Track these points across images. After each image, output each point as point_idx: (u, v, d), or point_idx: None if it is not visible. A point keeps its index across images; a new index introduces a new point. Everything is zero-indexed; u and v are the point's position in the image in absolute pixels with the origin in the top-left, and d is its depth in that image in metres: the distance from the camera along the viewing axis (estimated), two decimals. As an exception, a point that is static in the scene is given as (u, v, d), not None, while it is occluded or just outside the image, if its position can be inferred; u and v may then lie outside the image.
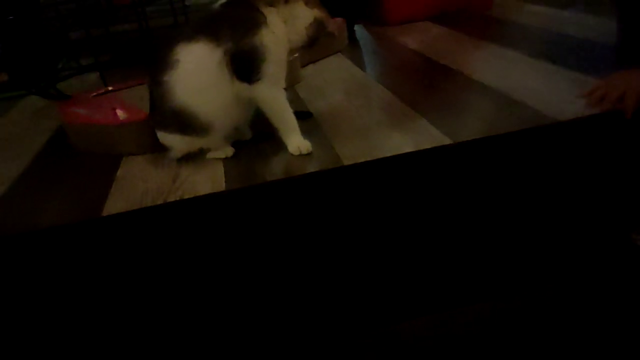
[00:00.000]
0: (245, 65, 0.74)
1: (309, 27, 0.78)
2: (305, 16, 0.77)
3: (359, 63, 1.23)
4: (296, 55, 1.06)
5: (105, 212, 0.69)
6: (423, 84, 1.04)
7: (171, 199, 0.70)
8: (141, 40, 1.45)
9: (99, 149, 0.89)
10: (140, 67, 1.30)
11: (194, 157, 0.81)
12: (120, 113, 0.90)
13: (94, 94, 1.04)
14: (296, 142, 0.79)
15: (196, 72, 0.74)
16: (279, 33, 0.76)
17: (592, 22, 1.29)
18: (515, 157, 0.78)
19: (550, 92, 0.88)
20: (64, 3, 1.45)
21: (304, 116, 0.92)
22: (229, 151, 0.82)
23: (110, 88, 1.07)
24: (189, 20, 1.53)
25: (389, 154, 0.74)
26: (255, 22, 0.74)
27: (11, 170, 0.88)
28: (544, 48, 1.14)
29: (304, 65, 1.20)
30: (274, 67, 0.75)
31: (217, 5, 0.78)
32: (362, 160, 0.73)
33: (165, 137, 0.80)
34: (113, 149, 0.88)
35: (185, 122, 0.76)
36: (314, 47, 0.82)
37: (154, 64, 0.78)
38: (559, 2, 1.55)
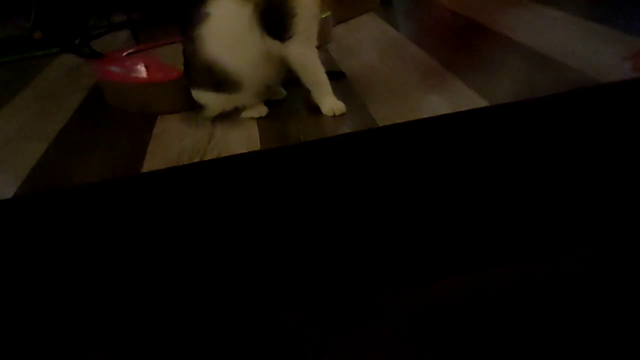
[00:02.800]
0: (276, 21, 0.73)
1: None
2: None
3: (392, 22, 1.20)
4: (328, 13, 1.04)
5: (144, 170, 0.71)
6: (460, 45, 1.01)
7: (208, 157, 0.72)
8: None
9: (134, 107, 0.90)
10: (170, 25, 1.30)
11: (228, 117, 0.82)
12: (153, 72, 0.91)
13: (128, 52, 1.04)
14: (329, 103, 0.78)
15: (226, 27, 0.74)
16: None
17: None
18: (555, 121, 0.76)
19: (593, 53, 0.85)
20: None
21: (336, 76, 0.91)
22: (263, 110, 0.82)
23: (143, 46, 1.07)
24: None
25: (424, 116, 0.73)
26: None
27: (50, 127, 0.91)
28: (588, 6, 1.08)
29: (335, 24, 1.17)
30: (306, 22, 0.74)
31: None
32: (397, 121, 0.72)
33: (199, 95, 0.80)
34: (148, 107, 0.89)
35: (216, 79, 0.76)
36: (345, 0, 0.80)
37: (186, 19, 0.78)
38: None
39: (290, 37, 0.74)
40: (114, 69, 0.96)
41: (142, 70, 0.92)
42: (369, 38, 1.12)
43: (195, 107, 0.82)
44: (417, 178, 0.77)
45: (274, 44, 0.74)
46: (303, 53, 0.76)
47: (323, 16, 0.86)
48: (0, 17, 1.46)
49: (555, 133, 0.77)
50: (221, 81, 0.76)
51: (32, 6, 1.38)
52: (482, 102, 0.74)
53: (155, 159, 0.74)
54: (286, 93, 0.87)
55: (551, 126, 0.77)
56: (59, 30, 1.37)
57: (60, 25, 1.39)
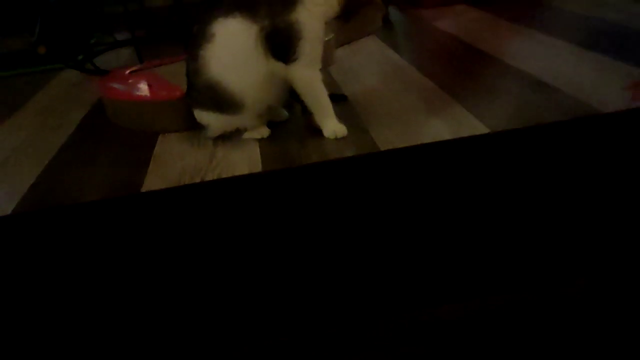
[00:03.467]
0: (281, 43, 0.74)
1: None
2: None
3: (394, 46, 1.21)
4: (332, 36, 1.05)
5: (144, 189, 0.71)
6: (460, 70, 1.02)
7: (208, 177, 0.71)
8: (176, 16, 1.45)
9: (136, 125, 0.91)
10: (174, 43, 1.31)
11: (230, 137, 0.82)
12: (156, 90, 0.91)
13: (131, 69, 1.05)
14: (331, 125, 0.79)
15: (231, 47, 0.74)
16: (316, 8, 0.74)
17: (637, 10, 1.24)
18: (555, 149, 0.77)
19: (593, 82, 0.86)
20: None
21: (338, 99, 0.92)
22: (265, 132, 0.82)
23: (146, 64, 1.08)
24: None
25: (426, 141, 0.73)
26: None
27: (51, 144, 0.91)
28: (586, 35, 1.10)
29: (337, 47, 1.19)
30: (311, 45, 0.75)
31: None
32: (399, 146, 0.73)
33: (202, 115, 0.81)
34: (150, 125, 0.89)
35: (219, 99, 0.76)
36: (351, 21, 0.81)
37: (191, 39, 0.78)
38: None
39: (295, 60, 0.74)
40: (117, 86, 0.96)
41: (145, 89, 0.92)
42: (370, 61, 1.13)
43: (197, 127, 0.83)
44: (417, 202, 0.77)
45: (278, 66, 0.75)
46: (307, 76, 0.76)
47: (326, 39, 0.87)
48: (5, 31, 1.47)
49: (554, 161, 0.78)
50: (224, 101, 0.77)
51: (37, 21, 1.39)
52: (483, 129, 0.75)
53: (156, 178, 0.74)
54: (288, 114, 0.88)
55: (551, 154, 0.77)
56: (63, 46, 1.38)
57: (65, 41, 1.40)
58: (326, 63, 1.08)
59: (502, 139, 0.74)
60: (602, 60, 0.95)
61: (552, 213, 0.81)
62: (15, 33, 1.44)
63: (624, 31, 1.09)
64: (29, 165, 0.83)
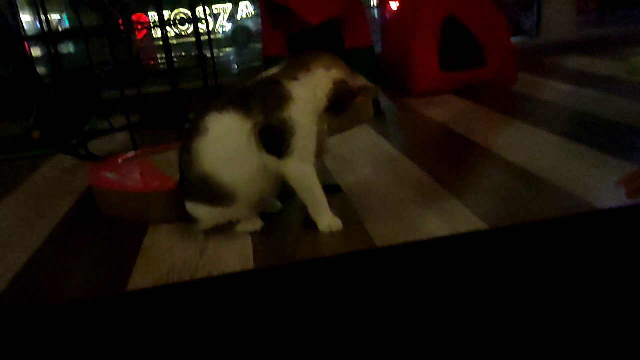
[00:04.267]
0: (274, 139, 0.74)
1: (329, 92, 0.77)
2: (324, 82, 0.77)
3: (386, 135, 1.24)
4: (325, 125, 1.07)
5: (130, 287, 0.68)
6: (452, 160, 1.04)
7: (198, 275, 0.69)
8: (171, 102, 1.49)
9: (126, 215, 0.89)
10: (169, 128, 1.32)
11: (221, 229, 0.80)
12: (148, 180, 0.90)
13: (124, 157, 1.05)
14: (326, 220, 0.77)
15: (224, 141, 0.75)
16: (307, 106, 0.76)
17: (616, 102, 1.30)
18: (553, 244, 0.76)
19: (585, 176, 0.87)
20: (102, 65, 1.51)
21: (333, 190, 0.92)
22: (258, 224, 0.81)
23: (140, 152, 1.08)
24: (219, 83, 1.57)
25: (422, 237, 0.72)
26: (283, 97, 0.74)
27: (36, 235, 0.88)
28: (572, 127, 1.14)
29: (330, 136, 1.21)
30: (304, 141, 0.75)
31: (249, 82, 0.79)
32: (396, 242, 0.71)
33: (193, 208, 0.79)
34: (140, 216, 0.87)
35: (211, 191, 0.75)
36: (343, 114, 0.82)
37: (185, 131, 0.79)
38: (580, 81, 1.57)
39: (288, 155, 0.74)
40: (108, 175, 0.95)
41: (136, 179, 0.92)
42: (363, 150, 1.15)
43: (188, 219, 0.81)
44: (414, 299, 0.74)
45: (271, 160, 0.75)
46: (301, 170, 0.76)
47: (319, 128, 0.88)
48: (1, 116, 1.49)
49: (553, 257, 0.76)
50: (216, 194, 0.76)
51: (34, 107, 1.41)
52: (478, 223, 0.74)
53: (143, 275, 0.70)
54: (282, 206, 0.87)
55: (548, 250, 0.76)
56: (57, 131, 1.40)
57: (60, 126, 1.41)
58: (320, 152, 1.09)
59: (499, 235, 0.73)
60: (589, 153, 0.97)
61: (549, 312, 0.78)
62: (9, 118, 1.45)
63: (610, 125, 1.13)
64: (11, 260, 0.80)
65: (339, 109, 0.80)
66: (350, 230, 0.77)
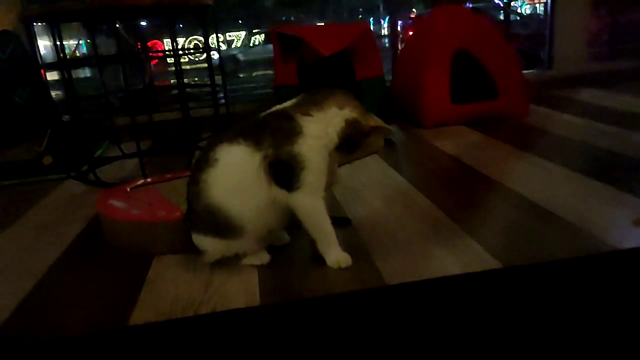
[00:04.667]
0: (284, 173, 0.73)
1: (340, 130, 0.77)
2: (336, 120, 0.76)
3: (397, 166, 1.22)
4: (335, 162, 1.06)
5: (133, 320, 0.66)
6: (463, 195, 1.02)
7: (202, 310, 0.67)
8: (182, 129, 1.49)
9: (132, 245, 0.87)
10: (179, 155, 1.32)
11: (227, 262, 0.78)
12: (155, 210, 0.89)
13: (132, 185, 1.04)
14: (334, 255, 0.76)
15: (234, 173, 0.74)
16: (317, 142, 0.75)
17: (632, 138, 1.28)
18: (570, 285, 0.73)
19: (603, 214, 0.84)
20: (114, 92, 1.53)
21: (342, 222, 0.90)
22: (265, 258, 0.79)
23: (149, 180, 1.08)
24: (230, 113, 1.58)
25: (434, 275, 0.70)
26: (293, 131, 0.74)
27: (41, 263, 0.87)
28: (588, 162, 1.12)
29: (340, 166, 1.20)
30: (314, 176, 0.74)
31: (261, 114, 0.78)
32: (406, 280, 0.69)
33: (200, 240, 0.78)
34: (145, 247, 0.86)
35: (219, 223, 0.74)
36: (356, 150, 0.81)
37: (194, 163, 0.78)
38: (594, 114, 1.55)
39: (297, 188, 0.73)
40: (116, 203, 0.95)
41: (143, 208, 0.91)
42: (373, 181, 1.13)
43: (194, 250, 0.80)
44: (424, 338, 0.71)
45: (280, 193, 0.74)
46: (310, 204, 0.75)
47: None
48: (11, 141, 1.50)
49: (568, 298, 0.74)
50: (224, 226, 0.74)
51: (47, 133, 1.42)
52: (492, 262, 0.72)
53: (146, 308, 0.69)
54: (289, 239, 0.85)
55: (565, 290, 0.73)
56: (68, 156, 1.40)
57: (71, 152, 1.42)
58: (330, 182, 1.08)
59: (514, 275, 0.70)
60: (607, 191, 0.94)
61: (565, 356, 0.75)
62: (20, 143, 1.46)
63: (628, 161, 1.10)
64: (14, 288, 0.78)
65: (350, 147, 0.80)
66: (358, 265, 0.75)
